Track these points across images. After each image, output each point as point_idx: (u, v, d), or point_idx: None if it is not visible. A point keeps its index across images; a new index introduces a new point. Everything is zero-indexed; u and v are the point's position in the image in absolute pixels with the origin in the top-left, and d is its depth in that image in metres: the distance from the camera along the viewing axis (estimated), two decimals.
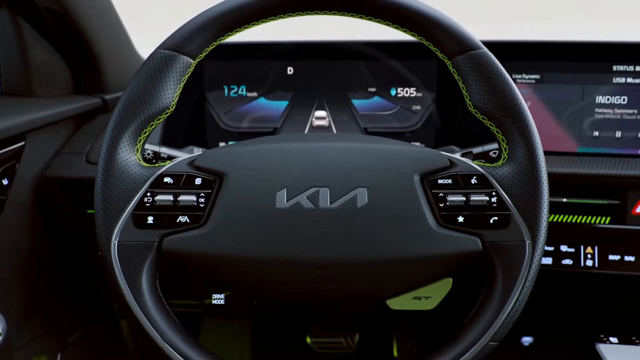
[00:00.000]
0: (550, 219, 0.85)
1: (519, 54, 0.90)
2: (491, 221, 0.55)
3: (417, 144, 0.94)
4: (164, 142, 0.94)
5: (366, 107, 0.94)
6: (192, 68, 0.58)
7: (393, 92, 0.93)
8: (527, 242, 0.54)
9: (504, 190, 0.55)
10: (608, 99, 0.89)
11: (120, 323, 1.17)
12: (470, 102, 0.57)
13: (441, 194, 0.55)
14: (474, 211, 0.55)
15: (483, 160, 0.62)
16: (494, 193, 0.55)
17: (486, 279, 0.56)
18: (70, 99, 0.95)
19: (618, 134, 0.89)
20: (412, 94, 0.93)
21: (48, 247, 0.93)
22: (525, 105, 0.56)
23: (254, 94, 0.94)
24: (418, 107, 0.93)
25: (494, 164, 0.57)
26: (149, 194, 0.55)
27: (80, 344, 1.04)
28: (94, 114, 0.97)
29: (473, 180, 0.56)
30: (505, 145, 0.57)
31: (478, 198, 0.55)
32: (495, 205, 0.55)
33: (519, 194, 0.55)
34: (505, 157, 0.57)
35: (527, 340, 1.10)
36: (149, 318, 0.54)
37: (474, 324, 0.54)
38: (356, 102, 0.94)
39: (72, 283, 1.01)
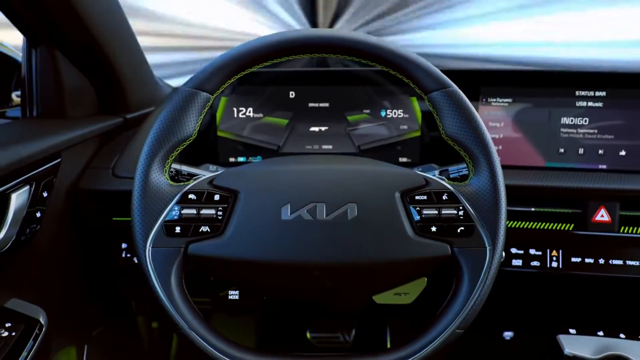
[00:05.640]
0: (520, 226, 0.90)
1: (494, 80, 0.96)
2: (459, 231, 0.62)
3: (404, 159, 1.01)
4: (181, 155, 1.03)
5: (359, 120, 1.00)
6: (211, 101, 0.65)
7: (383, 114, 1.00)
8: (488, 248, 0.62)
9: (469, 205, 0.63)
10: (572, 120, 0.95)
11: (138, 319, 1.23)
12: (443, 131, 0.65)
13: (418, 208, 0.63)
14: (445, 222, 0.63)
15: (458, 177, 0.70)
16: (461, 207, 0.63)
17: (454, 278, 0.63)
18: (97, 118, 0.99)
19: (581, 151, 0.95)
20: (400, 115, 1.00)
21: (78, 250, 0.97)
22: (488, 134, 0.64)
23: (260, 115, 1.00)
24: (405, 127, 1.00)
25: (462, 182, 0.65)
26: (176, 208, 0.63)
27: (102, 338, 1.08)
28: (117, 131, 1.03)
29: (444, 197, 0.63)
30: (471, 167, 0.64)
31: (448, 211, 0.63)
32: (462, 217, 0.63)
33: (482, 208, 0.63)
34: (471, 177, 0.64)
35: (508, 334, 1.16)
36: (177, 311, 0.62)
37: (443, 315, 0.62)
38: (351, 119, 1.00)
39: (95, 282, 1.05)
